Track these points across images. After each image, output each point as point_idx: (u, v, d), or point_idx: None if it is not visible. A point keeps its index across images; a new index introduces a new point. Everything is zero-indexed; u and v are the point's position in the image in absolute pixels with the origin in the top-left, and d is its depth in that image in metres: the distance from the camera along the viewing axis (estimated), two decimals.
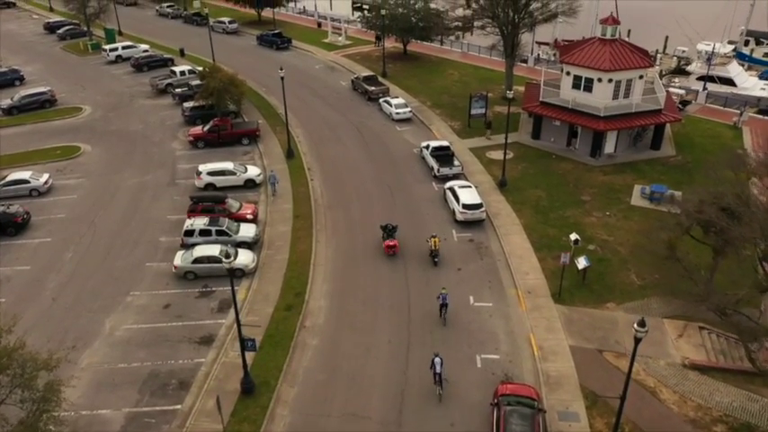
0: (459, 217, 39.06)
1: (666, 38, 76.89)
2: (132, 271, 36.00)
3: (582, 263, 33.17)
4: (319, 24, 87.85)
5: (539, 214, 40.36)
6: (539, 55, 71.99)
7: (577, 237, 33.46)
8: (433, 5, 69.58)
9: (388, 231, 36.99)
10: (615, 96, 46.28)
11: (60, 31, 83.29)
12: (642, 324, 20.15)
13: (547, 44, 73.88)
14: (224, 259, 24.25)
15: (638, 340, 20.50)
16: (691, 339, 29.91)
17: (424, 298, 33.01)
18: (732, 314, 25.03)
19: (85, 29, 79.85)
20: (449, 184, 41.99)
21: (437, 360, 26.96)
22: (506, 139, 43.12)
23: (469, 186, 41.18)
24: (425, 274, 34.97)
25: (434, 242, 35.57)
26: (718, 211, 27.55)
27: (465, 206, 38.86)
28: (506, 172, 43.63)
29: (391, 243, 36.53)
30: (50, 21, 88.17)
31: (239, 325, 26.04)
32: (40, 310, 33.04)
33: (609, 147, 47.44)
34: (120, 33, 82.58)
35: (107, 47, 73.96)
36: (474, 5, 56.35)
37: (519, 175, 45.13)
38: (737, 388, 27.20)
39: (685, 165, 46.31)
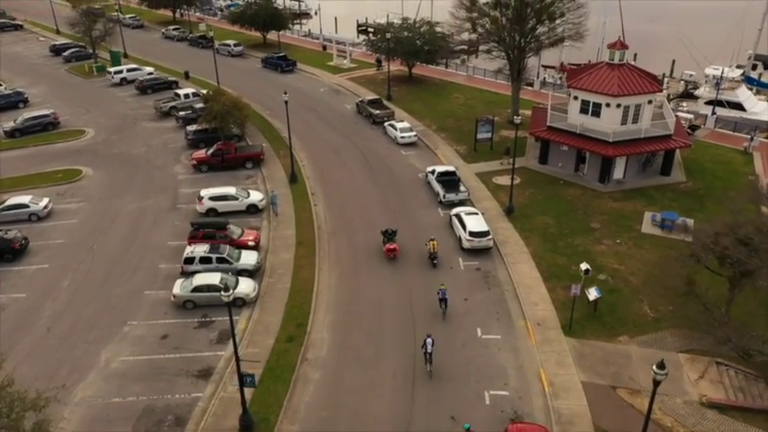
0: (466, 244, 38.15)
1: (673, 62, 76.47)
2: (130, 299, 35.11)
3: (593, 294, 32.20)
4: (324, 47, 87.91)
5: (547, 242, 39.41)
6: (545, 78, 71.63)
7: (588, 266, 32.39)
8: (438, 29, 69.44)
9: (388, 235, 37.78)
10: (624, 121, 45.59)
11: (66, 54, 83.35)
12: (662, 366, 19.11)
13: (553, 68, 73.56)
14: (222, 292, 23.28)
15: (657, 383, 19.44)
16: (708, 375, 28.72)
17: (430, 325, 31.93)
18: (756, 355, 23.91)
19: (91, 51, 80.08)
20: (455, 210, 41.16)
21: (429, 341, 28.56)
22: (513, 164, 42.41)
23: (476, 213, 40.37)
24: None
25: (433, 245, 36.46)
26: (735, 244, 26.59)
27: (472, 233, 37.98)
28: (513, 198, 42.77)
29: (391, 246, 37.36)
30: (56, 43, 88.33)
31: (238, 361, 25.03)
32: (34, 339, 32.12)
33: (618, 172, 46.61)
34: (126, 56, 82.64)
35: (112, 69, 73.95)
36: (480, 29, 55.95)
37: (526, 201, 44.26)
38: (759, 429, 25.98)
39: (696, 191, 45.42)
